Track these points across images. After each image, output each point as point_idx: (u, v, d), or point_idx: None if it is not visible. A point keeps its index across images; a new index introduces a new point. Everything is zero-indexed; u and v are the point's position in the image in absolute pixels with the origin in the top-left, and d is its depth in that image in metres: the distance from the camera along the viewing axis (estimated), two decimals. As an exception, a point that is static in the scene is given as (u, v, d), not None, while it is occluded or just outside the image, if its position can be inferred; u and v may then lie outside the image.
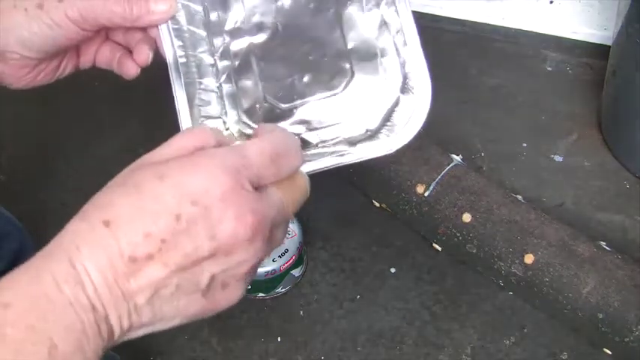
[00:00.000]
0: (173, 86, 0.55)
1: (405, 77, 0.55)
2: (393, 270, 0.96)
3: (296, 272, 0.94)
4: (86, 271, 0.36)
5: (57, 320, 0.35)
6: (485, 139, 1.06)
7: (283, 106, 0.56)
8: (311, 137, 0.53)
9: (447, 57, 1.15)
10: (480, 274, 0.91)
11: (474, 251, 0.88)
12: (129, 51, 0.60)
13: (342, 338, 0.91)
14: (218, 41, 0.59)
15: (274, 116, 0.55)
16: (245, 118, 0.55)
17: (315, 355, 0.90)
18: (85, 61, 0.61)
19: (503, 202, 0.89)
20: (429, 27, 1.18)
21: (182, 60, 0.56)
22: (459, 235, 0.89)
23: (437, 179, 0.90)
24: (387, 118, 0.55)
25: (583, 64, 1.13)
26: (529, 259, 0.83)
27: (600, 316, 0.79)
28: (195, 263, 0.37)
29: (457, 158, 0.94)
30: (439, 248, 0.94)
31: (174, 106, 0.55)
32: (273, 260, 0.89)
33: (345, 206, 0.98)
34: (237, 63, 0.58)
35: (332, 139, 0.54)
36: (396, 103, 0.55)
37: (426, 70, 0.54)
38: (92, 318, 0.35)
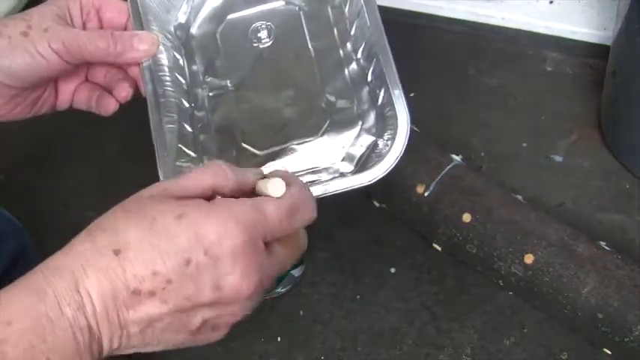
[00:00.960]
0: (152, 123, 0.54)
1: (383, 125, 0.53)
2: (393, 270, 0.96)
3: (296, 272, 0.94)
4: (89, 296, 0.36)
5: (55, 341, 0.35)
6: (485, 139, 1.06)
7: (259, 152, 0.55)
8: None
9: (446, 57, 1.15)
10: (480, 274, 0.92)
11: (474, 251, 0.88)
12: (108, 91, 0.60)
13: (342, 338, 0.91)
14: (197, 91, 0.58)
15: (250, 163, 0.55)
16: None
17: (315, 355, 0.90)
18: (63, 101, 0.60)
19: (503, 202, 0.89)
20: (428, 27, 1.18)
21: (162, 99, 0.55)
22: (459, 235, 0.89)
23: (437, 179, 0.90)
24: (362, 162, 0.54)
25: (583, 64, 1.13)
26: (529, 259, 0.83)
27: (600, 316, 0.79)
28: (193, 308, 0.38)
29: (457, 158, 0.94)
30: (439, 248, 0.94)
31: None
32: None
33: (345, 206, 0.98)
34: (214, 112, 0.57)
35: (308, 183, 0.53)
36: (372, 149, 0.54)
37: (406, 117, 0.52)
38: (87, 339, 0.36)
